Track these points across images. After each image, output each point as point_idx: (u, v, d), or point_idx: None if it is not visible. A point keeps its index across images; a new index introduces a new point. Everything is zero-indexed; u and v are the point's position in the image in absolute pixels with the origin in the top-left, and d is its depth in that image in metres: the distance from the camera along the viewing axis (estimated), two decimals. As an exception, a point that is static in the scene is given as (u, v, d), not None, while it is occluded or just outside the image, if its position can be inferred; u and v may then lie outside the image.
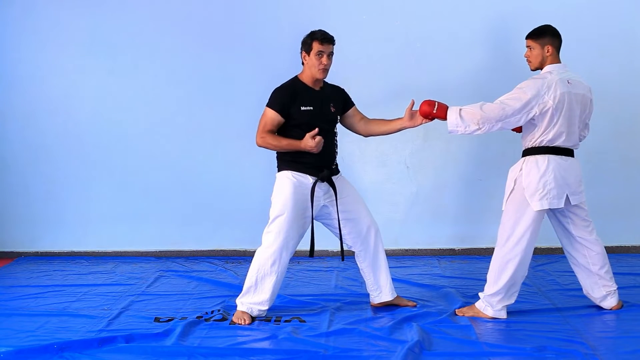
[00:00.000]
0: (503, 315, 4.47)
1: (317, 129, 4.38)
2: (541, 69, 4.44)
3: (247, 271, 4.51)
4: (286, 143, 4.45)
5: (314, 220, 4.55)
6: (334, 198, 4.53)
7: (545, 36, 4.41)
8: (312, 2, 5.91)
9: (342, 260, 4.71)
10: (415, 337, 4.06)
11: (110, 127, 6.06)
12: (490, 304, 4.46)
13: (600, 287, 4.56)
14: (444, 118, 4.37)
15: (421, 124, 4.53)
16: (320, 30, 4.49)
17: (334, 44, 4.49)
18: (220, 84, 5.98)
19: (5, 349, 3.95)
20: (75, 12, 5.96)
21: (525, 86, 4.32)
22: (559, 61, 4.44)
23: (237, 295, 4.78)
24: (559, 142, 4.37)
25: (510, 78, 5.50)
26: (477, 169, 5.97)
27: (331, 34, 4.43)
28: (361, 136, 4.78)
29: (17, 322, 4.48)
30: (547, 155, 4.35)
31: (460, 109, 4.32)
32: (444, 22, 5.86)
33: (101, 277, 5.55)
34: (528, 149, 4.41)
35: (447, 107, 4.37)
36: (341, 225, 4.58)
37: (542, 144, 4.36)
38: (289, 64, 5.90)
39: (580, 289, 4.96)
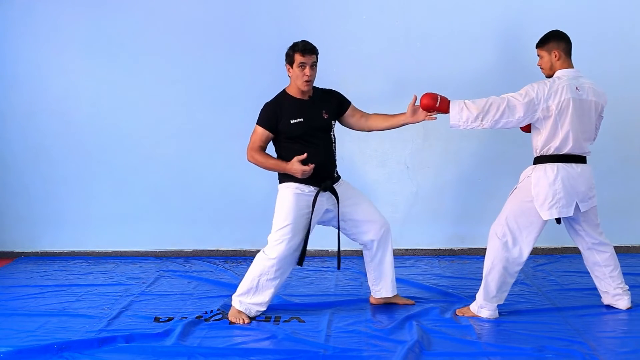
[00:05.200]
0: (496, 314, 4.47)
1: (305, 155, 4.36)
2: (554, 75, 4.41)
3: (247, 271, 4.52)
4: (273, 163, 4.45)
5: (317, 224, 4.57)
6: (337, 204, 4.53)
7: (550, 42, 4.39)
8: (312, 2, 5.91)
9: (339, 269, 4.69)
10: (415, 337, 4.07)
11: (110, 127, 6.05)
12: (484, 305, 4.46)
13: (614, 287, 4.56)
14: (447, 112, 4.32)
15: (424, 119, 4.46)
16: (302, 41, 4.43)
17: (316, 54, 4.42)
18: (220, 83, 5.98)
19: (5, 349, 3.96)
20: (75, 12, 5.96)
21: (530, 87, 4.28)
22: (570, 65, 4.39)
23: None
24: (567, 150, 4.32)
25: (511, 77, 5.55)
26: (477, 169, 5.96)
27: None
28: (364, 132, 4.73)
29: (17, 322, 4.49)
30: (556, 164, 4.32)
31: (464, 102, 4.27)
32: (443, 21, 5.85)
33: (101, 277, 5.55)
34: (538, 157, 4.38)
35: (450, 101, 4.33)
36: (347, 228, 4.60)
37: (550, 152, 4.33)
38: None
39: (581, 289, 4.98)
